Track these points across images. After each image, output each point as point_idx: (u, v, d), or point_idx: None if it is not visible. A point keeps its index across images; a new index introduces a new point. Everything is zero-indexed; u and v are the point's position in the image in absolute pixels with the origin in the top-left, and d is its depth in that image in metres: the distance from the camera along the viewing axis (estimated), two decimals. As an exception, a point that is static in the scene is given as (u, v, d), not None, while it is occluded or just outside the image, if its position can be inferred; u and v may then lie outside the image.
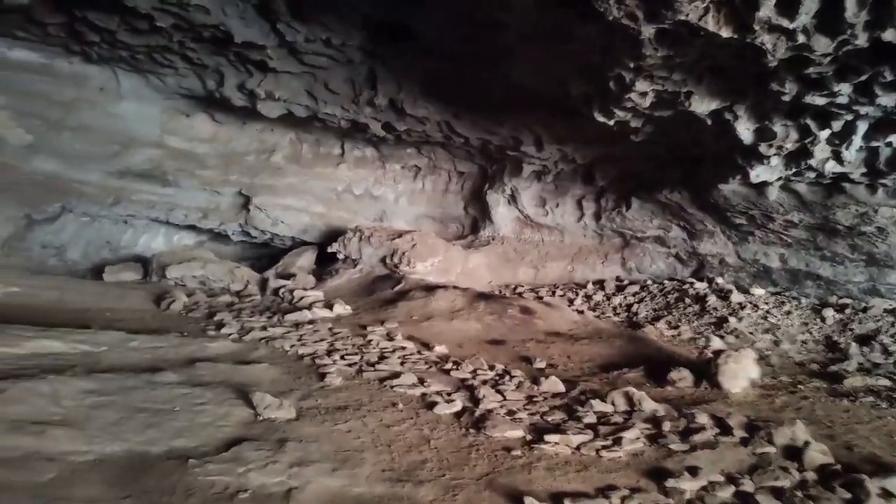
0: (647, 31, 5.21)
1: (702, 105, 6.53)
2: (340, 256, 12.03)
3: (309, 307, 8.95)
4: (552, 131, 10.31)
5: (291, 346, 6.69)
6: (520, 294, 10.93)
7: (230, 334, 7.28)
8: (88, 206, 11.91)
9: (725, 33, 4.95)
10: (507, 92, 9.55)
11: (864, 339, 7.52)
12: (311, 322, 8.20)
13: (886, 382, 6.17)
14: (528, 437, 4.44)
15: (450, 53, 8.91)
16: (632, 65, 5.90)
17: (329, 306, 9.08)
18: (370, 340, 7.19)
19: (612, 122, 7.49)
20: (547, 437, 4.31)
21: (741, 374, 5.82)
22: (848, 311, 8.31)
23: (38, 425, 3.83)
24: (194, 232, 14.80)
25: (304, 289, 10.29)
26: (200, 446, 3.96)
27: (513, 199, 12.84)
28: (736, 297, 9.06)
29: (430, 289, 9.64)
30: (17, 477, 3.34)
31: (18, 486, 3.26)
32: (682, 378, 5.97)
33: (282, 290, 10.31)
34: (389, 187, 14.42)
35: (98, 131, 11.64)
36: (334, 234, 13.44)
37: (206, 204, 13.27)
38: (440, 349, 7.03)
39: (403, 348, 6.99)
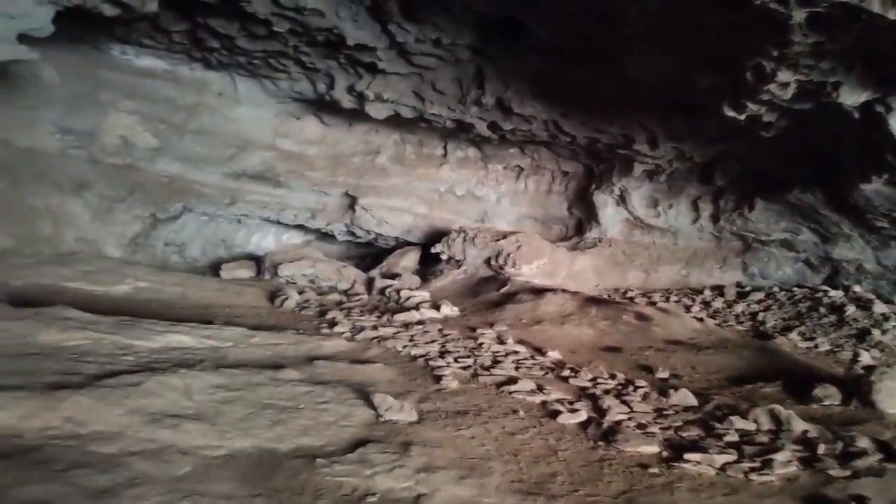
0: (798, 15, 4.75)
1: (851, 96, 5.94)
2: (444, 257, 11.97)
3: (416, 307, 8.91)
4: (668, 128, 9.80)
5: (403, 347, 6.63)
6: (631, 299, 10.44)
7: (343, 333, 7.34)
8: (207, 206, 12.46)
9: (893, 15, 4.41)
10: (620, 89, 9.15)
11: None
12: (419, 323, 8.14)
13: None
14: (665, 454, 4.12)
15: (561, 51, 8.63)
16: (775, 53, 5.44)
17: (436, 307, 9.01)
18: (481, 343, 7.03)
19: (742, 117, 6.97)
20: (687, 456, 3.98)
21: (899, 393, 5.21)
22: None
23: (173, 419, 3.91)
24: (302, 231, 15.21)
25: (410, 289, 10.28)
26: (326, 446, 3.92)
27: (622, 199, 12.35)
28: (879, 307, 8.23)
29: (538, 292, 9.38)
30: (155, 469, 3.40)
31: (157, 479, 3.30)
32: (829, 395, 5.41)
33: (388, 290, 10.35)
34: (492, 188, 14.27)
35: (216, 134, 12.18)
36: (437, 235, 13.42)
37: (315, 204, 13.60)
38: (554, 355, 6.77)
39: (516, 352, 6.77)
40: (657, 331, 8.08)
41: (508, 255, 10.81)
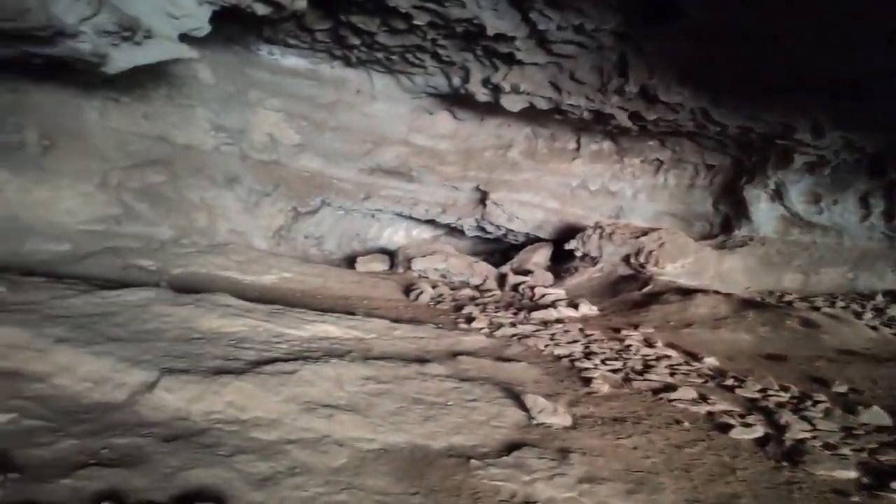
0: None
1: None
2: (578, 254, 11.55)
3: (553, 305, 8.60)
4: (835, 114, 8.81)
5: (545, 346, 6.35)
6: (789, 303, 9.51)
7: (481, 329, 7.17)
8: (343, 200, 12.79)
9: None
10: (779, 72, 8.36)
11: None
12: (558, 321, 7.82)
13: None
14: (865, 481, 3.57)
15: (715, 32, 7.95)
16: None
17: (573, 305, 8.65)
18: (628, 346, 6.60)
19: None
20: (894, 484, 3.42)
21: None
22: None
23: (327, 408, 3.89)
24: (432, 226, 15.32)
25: (544, 286, 9.97)
26: (479, 446, 3.74)
27: (777, 194, 11.32)
28: None
29: (686, 292, 8.75)
30: (312, 459, 3.37)
31: (315, 469, 3.27)
32: None
33: (521, 287, 10.10)
34: (627, 182, 13.61)
35: (354, 131, 12.47)
36: (569, 231, 13.01)
37: (445, 199, 13.61)
38: (711, 361, 6.21)
39: (667, 357, 6.29)
40: (826, 339, 7.26)
41: (650, 252, 10.21)
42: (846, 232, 10.78)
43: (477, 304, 8.93)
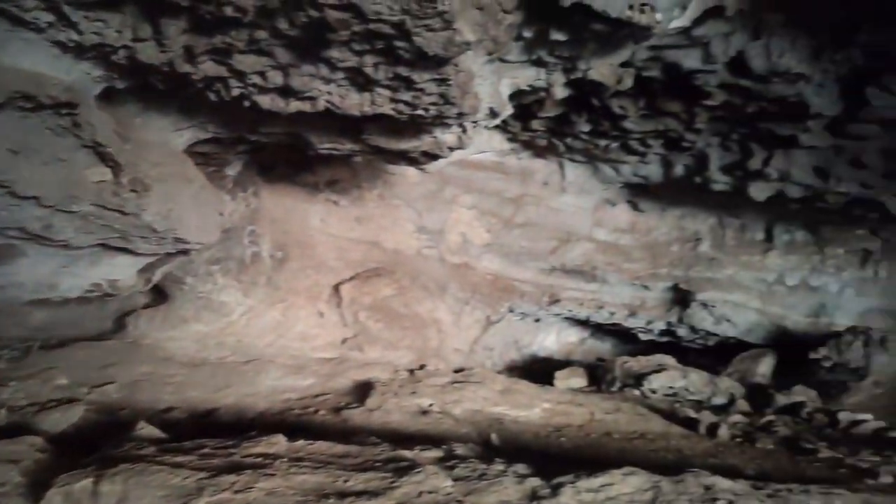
0: None
1: None
2: (827, 364, 9.81)
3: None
4: None
5: None
6: None
7: (890, 483, 5.40)
8: (529, 305, 11.27)
9: None
10: None
11: None
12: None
13: None
14: None
15: None
16: None
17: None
18: None
19: None
20: None
21: None
22: None
23: None
24: (579, 328, 13.80)
25: (835, 409, 8.19)
26: None
27: None
28: None
29: None
30: None
31: None
32: None
33: (804, 411, 8.32)
34: (831, 276, 12.07)
35: (540, 227, 11.11)
36: (779, 335, 11.45)
37: (632, 300, 12.06)
38: None
39: None
40: None
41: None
42: None
43: (811, 440, 7.10)
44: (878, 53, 6.39)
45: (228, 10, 3.66)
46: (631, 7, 4.70)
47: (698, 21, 5.50)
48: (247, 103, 4.91)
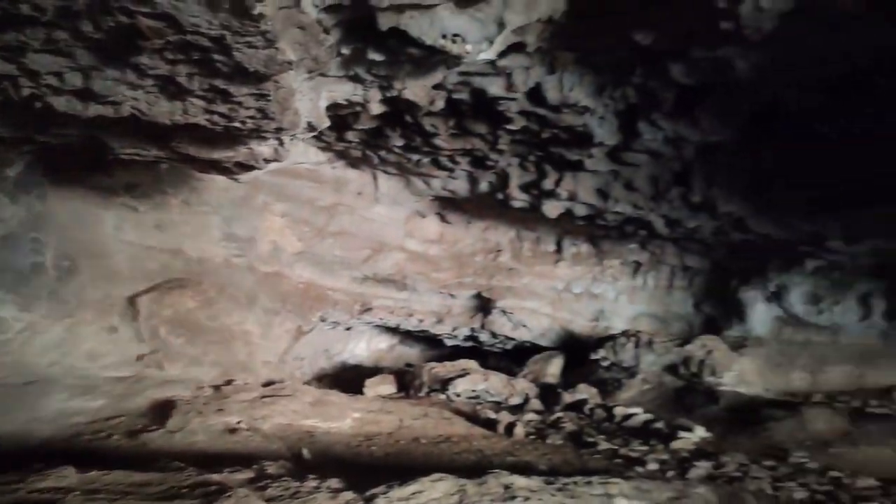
0: None
1: None
2: (605, 363, 11.06)
3: (672, 432, 7.90)
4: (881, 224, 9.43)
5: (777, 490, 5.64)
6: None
7: (655, 469, 6.28)
8: (341, 314, 11.26)
9: None
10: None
11: None
12: (703, 455, 7.10)
13: None
14: None
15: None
16: None
17: (678, 428, 8.03)
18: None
19: None
20: None
21: None
22: None
23: None
24: (389, 335, 14.22)
25: (615, 404, 9.28)
26: None
27: (776, 296, 11.85)
28: None
29: (774, 405, 8.58)
30: None
31: None
32: None
33: (586, 407, 9.31)
34: (609, 284, 13.61)
35: (353, 236, 11.19)
36: (568, 338, 12.73)
37: (440, 308, 12.59)
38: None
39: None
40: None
41: (701, 361, 10.02)
42: (844, 331, 11.49)
43: (583, 432, 7.94)
44: (647, 93, 7.39)
45: (25, 9, 3.25)
46: (444, 37, 4.97)
47: (503, 54, 5.95)
48: (38, 104, 4.38)
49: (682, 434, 7.71)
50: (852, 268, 10.94)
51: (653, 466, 6.41)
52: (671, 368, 10.30)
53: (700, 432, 7.95)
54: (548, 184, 9.66)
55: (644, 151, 8.74)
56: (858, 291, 11.15)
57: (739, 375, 9.92)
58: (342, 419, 7.09)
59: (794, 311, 11.75)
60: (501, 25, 5.17)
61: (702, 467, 6.27)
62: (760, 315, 12.10)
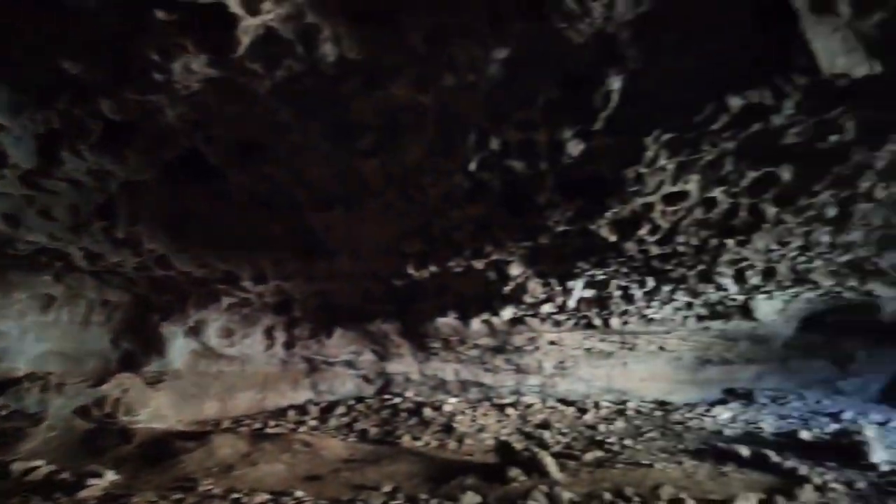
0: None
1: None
2: (5, 412, 9.60)
3: (76, 481, 7.40)
4: (281, 267, 11.10)
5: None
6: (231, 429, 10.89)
7: None
8: None
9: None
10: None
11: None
12: (110, 499, 6.95)
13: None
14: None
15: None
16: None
17: (86, 475, 7.64)
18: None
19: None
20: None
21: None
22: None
23: None
24: None
25: None
26: None
27: (194, 330, 12.55)
28: (447, 406, 11.54)
29: (190, 436, 9.04)
30: None
31: None
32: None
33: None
34: (14, 321, 11.99)
35: None
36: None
37: None
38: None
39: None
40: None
41: (117, 400, 9.74)
42: (250, 360, 12.97)
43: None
44: (73, 121, 6.97)
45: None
46: None
47: None
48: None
49: (90, 482, 7.32)
50: (260, 304, 12.49)
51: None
52: (83, 411, 9.67)
53: (110, 476, 7.71)
54: None
55: (65, 179, 8.14)
56: (264, 325, 12.79)
57: (154, 411, 10.05)
58: None
59: (210, 343, 12.63)
60: None
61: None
62: (179, 349, 12.56)
